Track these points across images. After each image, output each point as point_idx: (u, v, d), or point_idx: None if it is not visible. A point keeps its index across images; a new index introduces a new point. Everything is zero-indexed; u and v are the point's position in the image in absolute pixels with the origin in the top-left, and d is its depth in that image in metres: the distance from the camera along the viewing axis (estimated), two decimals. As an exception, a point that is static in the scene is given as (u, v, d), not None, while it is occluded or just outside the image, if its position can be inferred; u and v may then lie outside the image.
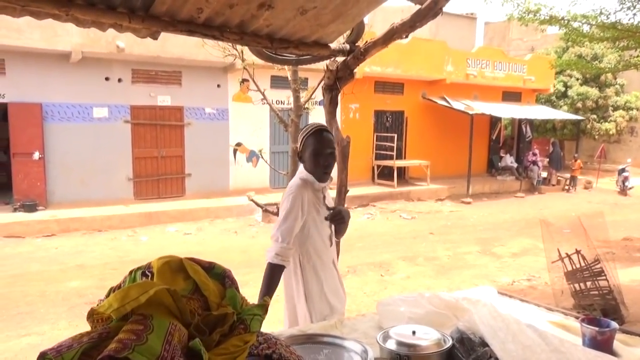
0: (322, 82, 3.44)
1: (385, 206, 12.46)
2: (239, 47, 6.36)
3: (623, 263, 7.01)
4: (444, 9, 2.73)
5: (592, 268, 5.02)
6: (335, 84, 3.21)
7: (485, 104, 15.89)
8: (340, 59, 3.20)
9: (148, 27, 2.35)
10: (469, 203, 13.43)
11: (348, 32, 3.13)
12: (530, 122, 17.85)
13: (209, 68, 11.43)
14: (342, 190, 3.31)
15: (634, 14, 7.37)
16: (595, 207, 12.51)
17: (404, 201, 13.20)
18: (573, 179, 16.58)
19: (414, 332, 1.50)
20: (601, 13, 7.44)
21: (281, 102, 11.72)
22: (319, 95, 5.41)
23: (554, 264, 5.30)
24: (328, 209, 2.49)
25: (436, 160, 15.20)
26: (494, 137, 18.01)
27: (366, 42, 3.08)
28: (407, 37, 3.08)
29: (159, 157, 11.42)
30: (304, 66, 3.75)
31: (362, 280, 6.61)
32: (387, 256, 7.83)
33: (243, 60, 6.66)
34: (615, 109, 20.54)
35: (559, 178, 17.08)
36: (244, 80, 9.08)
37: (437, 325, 1.59)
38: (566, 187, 16.60)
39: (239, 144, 12.41)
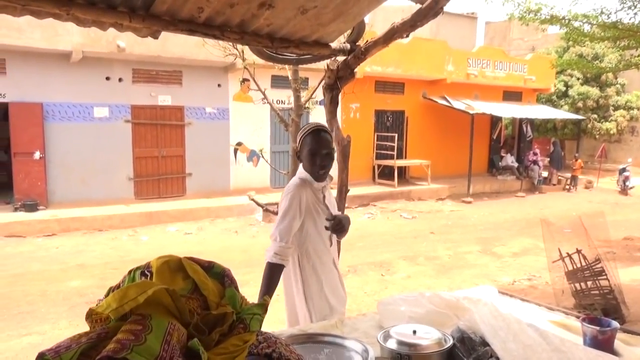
0: (323, 82, 3.44)
1: (385, 206, 12.46)
2: (239, 46, 6.36)
3: (624, 262, 7.01)
4: (445, 9, 2.73)
5: (593, 267, 5.01)
6: (335, 83, 3.21)
7: (486, 103, 15.88)
8: (340, 58, 3.20)
9: (149, 26, 2.35)
10: (469, 203, 13.42)
11: (349, 32, 3.13)
12: (531, 121, 17.83)
13: (210, 68, 11.43)
14: (342, 190, 3.31)
15: (635, 14, 7.36)
16: (596, 207, 12.51)
17: (405, 201, 13.20)
18: (574, 178, 16.56)
19: (414, 332, 1.50)
20: (602, 12, 7.43)
21: (282, 101, 11.72)
22: (319, 94, 5.41)
23: (555, 263, 5.30)
24: (328, 219, 2.47)
25: (437, 160, 15.19)
26: (494, 137, 18.00)
27: (367, 41, 3.08)
28: (407, 36, 3.08)
29: (160, 157, 11.43)
30: (305, 66, 3.75)
31: (363, 279, 6.61)
32: (387, 256, 7.83)
33: (244, 59, 6.66)
34: (616, 108, 20.52)
35: (559, 178, 17.07)
36: (244, 80, 9.08)
37: (437, 325, 1.59)
38: (567, 187, 16.59)
39: (239, 144, 12.42)
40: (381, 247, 8.46)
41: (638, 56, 8.67)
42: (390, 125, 15.12)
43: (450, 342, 1.46)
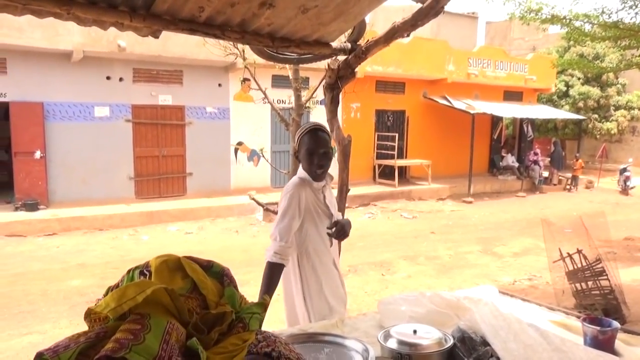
0: (324, 81, 3.44)
1: (386, 205, 12.46)
2: (240, 46, 6.36)
3: (624, 263, 7.00)
4: (445, 8, 2.73)
5: (594, 268, 5.01)
6: (336, 82, 3.21)
7: (486, 103, 15.87)
8: (341, 57, 3.20)
9: (149, 25, 2.35)
10: (470, 202, 13.41)
11: (349, 31, 3.13)
12: (532, 121, 17.82)
13: (210, 67, 11.43)
14: (343, 190, 3.30)
15: (636, 13, 7.35)
16: (596, 207, 12.50)
17: (405, 200, 13.20)
18: (574, 178, 16.55)
19: (415, 331, 1.49)
20: (603, 12, 7.42)
21: (282, 101, 11.72)
22: (320, 94, 5.41)
23: (556, 263, 5.29)
24: (329, 227, 2.49)
25: (437, 160, 15.19)
26: (495, 137, 17.99)
27: (367, 40, 3.07)
28: (408, 35, 3.08)
29: (160, 157, 11.43)
30: (305, 65, 3.74)
31: (363, 279, 6.61)
32: (388, 255, 7.83)
33: (244, 59, 6.67)
34: (617, 108, 20.51)
35: (560, 178, 17.06)
36: (245, 80, 9.07)
37: (438, 325, 1.59)
38: (567, 187, 16.58)
39: (240, 143, 12.42)
40: (382, 246, 8.46)
41: (639, 56, 8.66)
42: (390, 124, 15.12)
43: (450, 342, 1.46)
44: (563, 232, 5.75)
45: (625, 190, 15.77)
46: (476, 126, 14.48)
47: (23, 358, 4.31)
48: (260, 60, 3.51)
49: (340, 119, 4.17)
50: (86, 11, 2.14)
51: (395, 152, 14.10)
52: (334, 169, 2.57)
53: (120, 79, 10.75)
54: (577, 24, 7.80)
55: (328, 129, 2.68)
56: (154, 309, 0.92)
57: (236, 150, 12.40)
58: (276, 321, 3.13)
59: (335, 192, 3.11)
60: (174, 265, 1.05)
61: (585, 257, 5.05)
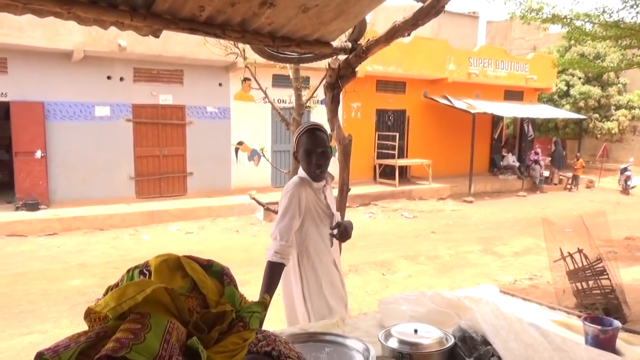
0: (324, 81, 3.44)
1: (386, 205, 12.45)
2: (240, 45, 6.36)
3: (625, 262, 6.99)
4: (446, 8, 2.73)
5: (595, 267, 5.01)
6: (337, 82, 3.21)
7: (487, 103, 15.86)
8: (342, 57, 3.19)
9: (150, 25, 2.35)
10: (470, 202, 13.41)
11: (350, 30, 3.13)
12: (533, 121, 17.81)
13: (211, 67, 11.43)
14: (343, 189, 3.30)
15: (637, 13, 7.34)
16: (597, 206, 12.49)
17: (406, 200, 13.19)
18: (575, 178, 16.55)
19: (415, 331, 1.49)
20: (604, 11, 7.42)
21: (283, 100, 11.72)
22: (320, 93, 5.41)
23: (556, 263, 5.29)
24: (332, 228, 2.51)
25: (438, 159, 15.18)
26: (496, 136, 17.98)
27: (368, 40, 3.07)
28: (409, 35, 3.08)
29: (161, 156, 11.43)
30: (306, 65, 3.74)
31: (364, 279, 6.61)
32: (388, 255, 7.83)
33: (245, 58, 6.67)
34: (618, 108, 20.49)
35: (561, 177, 17.06)
36: (245, 79, 9.08)
37: (439, 324, 1.59)
38: (568, 186, 16.57)
39: (240, 143, 12.42)
40: (382, 246, 8.46)
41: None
42: (391, 124, 15.12)
43: (451, 341, 1.46)
44: (564, 232, 5.75)
45: (626, 190, 15.76)
46: (477, 126, 14.48)
47: (24, 358, 4.31)
48: (260, 59, 3.51)
49: (340, 119, 4.19)
50: (87, 10, 2.14)
51: (396, 152, 14.10)
52: (334, 168, 2.57)
53: (121, 79, 10.75)
54: (578, 23, 7.80)
55: (327, 128, 2.68)
56: (154, 308, 0.92)
57: (237, 149, 12.40)
58: (276, 321, 3.13)
59: (335, 191, 3.11)
60: (173, 265, 1.05)
61: (586, 257, 5.05)
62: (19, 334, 4.82)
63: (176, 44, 10.03)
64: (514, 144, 18.00)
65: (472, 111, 14.36)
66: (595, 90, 19.96)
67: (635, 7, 7.25)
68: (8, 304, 5.59)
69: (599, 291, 4.99)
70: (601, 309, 4.80)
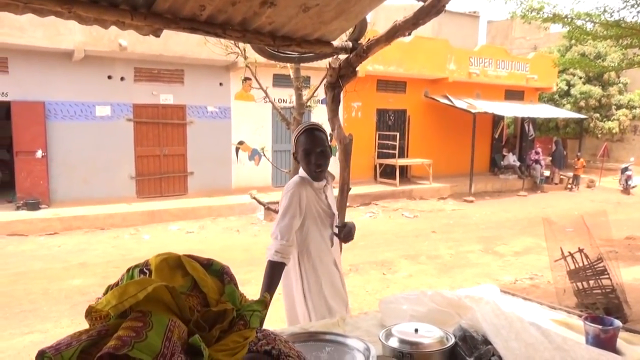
0: (325, 80, 3.44)
1: (387, 205, 12.45)
2: (241, 45, 6.36)
3: (626, 262, 6.99)
4: (447, 7, 2.72)
5: (595, 267, 5.00)
6: (337, 81, 3.21)
7: (487, 102, 15.86)
8: (342, 56, 3.19)
9: (150, 24, 2.35)
10: (471, 202, 13.41)
11: (350, 30, 3.13)
12: (533, 120, 17.80)
13: (211, 66, 11.43)
14: (344, 189, 3.30)
15: (638, 12, 7.34)
16: (598, 206, 12.48)
17: (406, 200, 13.19)
18: (576, 177, 16.54)
19: (416, 330, 1.49)
20: (605, 11, 7.41)
21: (283, 100, 11.72)
22: (321, 93, 5.41)
23: (557, 262, 5.29)
24: (337, 226, 2.55)
25: (438, 159, 15.18)
26: (496, 136, 17.97)
27: (369, 39, 3.07)
28: (409, 34, 3.08)
29: (162, 156, 11.44)
30: (307, 64, 3.74)
31: (365, 278, 6.61)
32: (389, 255, 7.83)
33: (245, 58, 6.67)
34: (619, 107, 20.48)
35: (561, 177, 17.05)
36: (246, 79, 9.07)
37: (439, 323, 1.59)
38: (569, 186, 16.56)
39: (241, 143, 12.42)
40: (383, 246, 8.46)
41: (641, 55, 8.65)
42: (392, 124, 15.11)
43: (452, 341, 1.46)
44: (564, 231, 5.74)
45: (626, 190, 15.75)
46: (477, 125, 14.47)
47: (24, 357, 4.32)
48: (261, 59, 3.51)
49: (341, 118, 4.17)
50: (87, 10, 2.15)
51: (397, 151, 14.09)
52: (335, 168, 2.57)
53: (122, 78, 10.75)
54: (579, 22, 7.79)
55: (328, 128, 2.69)
56: (155, 306, 0.92)
57: (237, 149, 12.40)
58: (277, 320, 3.14)
59: (336, 191, 3.11)
60: (174, 264, 1.05)
61: (586, 256, 5.05)
62: (20, 334, 4.82)
63: (177, 44, 10.04)
64: (514, 144, 17.99)
65: (473, 111, 14.36)
66: (596, 90, 19.94)
67: (636, 6, 7.25)
68: (9, 304, 5.59)
69: (599, 291, 4.99)
70: (602, 309, 4.80)
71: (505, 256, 7.95)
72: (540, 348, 1.40)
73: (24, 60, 9.68)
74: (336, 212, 2.66)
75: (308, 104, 7.11)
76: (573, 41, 14.97)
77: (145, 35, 2.52)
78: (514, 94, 17.68)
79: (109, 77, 10.63)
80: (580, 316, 1.88)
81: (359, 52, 3.08)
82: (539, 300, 2.18)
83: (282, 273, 2.36)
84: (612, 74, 19.65)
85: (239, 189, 11.92)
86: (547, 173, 16.87)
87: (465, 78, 15.34)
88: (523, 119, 17.40)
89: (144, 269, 1.04)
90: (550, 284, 5.83)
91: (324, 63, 3.31)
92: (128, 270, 1.07)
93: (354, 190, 7.04)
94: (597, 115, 20.21)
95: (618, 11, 7.43)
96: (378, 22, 14.39)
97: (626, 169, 15.99)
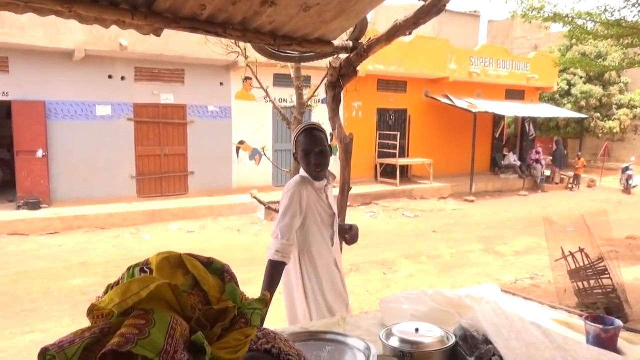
0: (325, 80, 3.44)
1: (388, 204, 12.45)
2: (241, 44, 6.36)
3: (627, 262, 6.99)
4: (447, 7, 2.72)
5: (596, 266, 5.00)
6: (338, 81, 3.21)
7: (488, 102, 15.85)
8: (343, 56, 3.19)
9: (151, 24, 2.35)
10: (472, 201, 13.40)
11: (351, 29, 3.12)
12: (534, 120, 17.79)
13: (212, 66, 11.43)
14: (345, 188, 3.30)
15: (639, 12, 7.33)
16: (598, 206, 12.47)
17: (407, 199, 13.19)
18: (576, 177, 16.53)
19: (417, 330, 1.49)
20: (606, 10, 7.41)
21: (284, 100, 11.71)
22: (321, 92, 5.41)
23: (558, 262, 5.28)
24: (346, 228, 2.61)
25: (439, 159, 15.17)
26: (497, 136, 17.97)
27: (369, 39, 3.07)
28: (410, 34, 3.07)
29: (162, 155, 11.44)
30: (307, 64, 3.74)
31: (365, 278, 6.61)
32: (390, 254, 7.83)
33: (246, 57, 6.67)
34: (619, 107, 20.45)
35: (562, 176, 17.04)
36: (247, 78, 9.07)
37: (440, 323, 1.59)
38: (570, 186, 16.55)
39: (242, 142, 12.42)
40: (383, 245, 8.46)
41: (642, 54, 8.65)
42: (392, 123, 15.11)
43: (452, 340, 1.45)
44: (565, 231, 5.74)
45: (627, 189, 15.74)
46: (478, 125, 14.47)
47: (25, 356, 4.32)
48: (262, 58, 3.52)
49: (342, 118, 4.18)
50: (88, 9, 2.15)
51: (397, 151, 14.09)
52: (335, 167, 2.57)
53: (122, 78, 10.75)
54: (580, 22, 7.79)
55: (328, 127, 2.69)
56: (157, 304, 0.93)
57: (238, 149, 12.40)
58: (277, 319, 3.14)
59: (337, 190, 3.11)
60: (175, 262, 1.06)
61: (587, 256, 5.04)
62: (21, 333, 4.82)
63: (177, 43, 10.04)
64: (515, 144, 17.98)
65: (474, 110, 14.35)
66: (597, 90, 19.92)
67: (636, 6, 7.24)
68: (10, 303, 5.60)
69: (600, 290, 4.99)
70: (603, 309, 4.80)
71: (506, 256, 7.95)
72: (541, 348, 1.40)
73: (25, 60, 9.69)
74: (337, 212, 2.67)
75: (309, 103, 7.11)
76: (574, 41, 14.95)
77: (145, 34, 2.52)
78: (514, 94, 17.67)
79: (110, 77, 10.63)
80: (581, 316, 1.88)
81: (359, 51, 3.08)
82: (540, 300, 2.18)
83: (282, 272, 2.36)
84: (613, 73, 19.63)
85: (240, 189, 11.92)
86: (547, 173, 16.86)
87: (466, 78, 15.34)
88: (524, 119, 17.39)
89: (145, 268, 1.04)
90: (551, 284, 5.82)
91: (325, 62, 3.31)
92: (129, 269, 1.07)
93: (355, 189, 7.03)
94: (598, 114, 20.19)
95: (619, 10, 7.44)
96: (379, 21, 14.40)
97: (627, 168, 15.97)
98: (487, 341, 1.45)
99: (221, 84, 11.95)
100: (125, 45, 9.80)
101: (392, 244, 8.65)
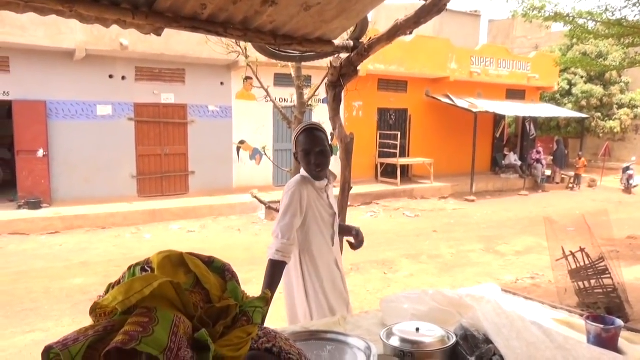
0: (326, 79, 3.44)
1: (388, 204, 12.45)
2: (242, 44, 6.36)
3: (627, 261, 6.99)
4: (448, 6, 2.72)
5: (597, 266, 5.00)
6: (339, 80, 3.21)
7: (489, 101, 15.84)
8: (344, 55, 3.19)
9: (152, 23, 2.35)
10: (472, 201, 13.40)
11: (352, 29, 3.12)
12: (534, 120, 17.78)
13: (213, 66, 11.43)
14: (345, 188, 3.31)
15: (640, 11, 7.33)
16: (599, 205, 12.46)
17: (408, 199, 13.19)
18: (577, 177, 16.52)
19: (417, 329, 1.49)
20: (606, 10, 7.40)
21: (285, 99, 11.71)
22: (322, 92, 5.41)
23: (558, 262, 5.28)
24: (353, 234, 2.66)
25: (440, 158, 15.17)
26: (497, 135, 17.96)
27: (370, 38, 3.07)
28: (411, 33, 3.08)
29: (163, 155, 11.44)
30: (308, 63, 3.74)
31: (366, 278, 6.61)
32: (390, 254, 7.83)
33: (246, 57, 6.68)
34: (620, 107, 20.44)
35: (563, 176, 17.03)
36: (247, 78, 9.08)
37: (440, 322, 1.59)
38: (570, 185, 16.54)
39: (242, 142, 12.42)
40: (384, 245, 8.45)
41: (642, 54, 8.64)
42: (393, 123, 15.11)
43: (453, 340, 1.45)
44: (566, 231, 5.74)
45: (628, 189, 15.74)
46: (479, 125, 14.46)
47: (26, 356, 4.33)
48: (262, 58, 3.52)
49: (342, 118, 4.18)
50: (88, 9, 2.15)
51: (398, 151, 14.08)
52: (336, 167, 2.57)
53: (123, 78, 10.76)
54: (581, 21, 7.78)
55: (329, 127, 2.69)
56: (160, 302, 0.93)
57: (238, 148, 12.40)
58: (278, 319, 3.14)
59: (337, 190, 3.11)
60: (176, 261, 1.06)
61: (588, 256, 5.04)
62: (21, 332, 4.83)
63: (178, 43, 10.04)
64: (515, 143, 17.97)
65: (474, 110, 14.35)
66: (598, 89, 19.90)
67: (637, 5, 7.24)
68: (10, 302, 5.60)
69: (601, 290, 4.99)
70: (603, 308, 4.80)
71: (507, 255, 7.94)
72: (542, 347, 1.40)
73: (26, 60, 9.69)
74: (337, 212, 2.67)
75: (309, 103, 7.12)
76: (574, 40, 14.92)
77: (146, 34, 2.52)
78: (515, 93, 17.66)
79: (110, 77, 10.63)
80: (581, 315, 1.88)
81: (360, 51, 3.08)
82: (541, 299, 2.18)
83: (283, 272, 2.36)
84: (614, 73, 19.61)
85: (240, 188, 11.92)
86: (548, 172, 16.86)
87: (467, 77, 15.33)
88: (524, 119, 17.38)
89: (146, 267, 1.04)
90: (552, 284, 5.82)
91: (325, 62, 3.31)
92: (129, 268, 1.07)
93: (355, 189, 7.02)
94: (599, 114, 20.18)
95: (620, 10, 7.44)
96: (379, 21, 14.41)
97: (628, 168, 15.97)
98: (488, 341, 1.45)
99: (222, 83, 11.95)
100: (126, 45, 9.80)
101: (392, 243, 8.65)
